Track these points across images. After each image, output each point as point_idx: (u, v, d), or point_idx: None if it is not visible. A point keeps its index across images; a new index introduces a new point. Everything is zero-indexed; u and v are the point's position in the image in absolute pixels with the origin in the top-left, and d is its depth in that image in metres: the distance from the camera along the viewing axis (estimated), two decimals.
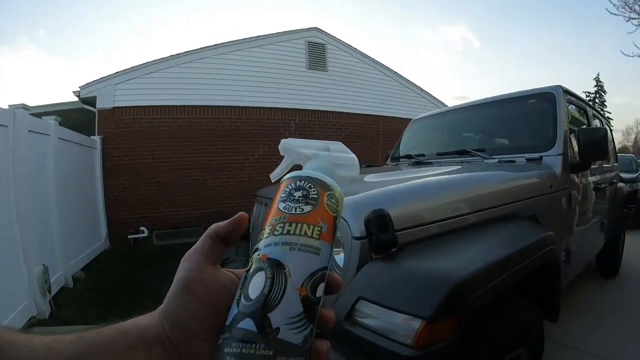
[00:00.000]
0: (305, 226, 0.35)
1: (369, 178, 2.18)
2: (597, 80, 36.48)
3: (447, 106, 11.41)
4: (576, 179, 2.59)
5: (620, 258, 4.28)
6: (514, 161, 2.38)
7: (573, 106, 2.92)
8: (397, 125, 10.27)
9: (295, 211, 0.36)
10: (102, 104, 6.84)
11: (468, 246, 1.42)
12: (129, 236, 6.70)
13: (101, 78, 6.81)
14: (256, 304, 0.32)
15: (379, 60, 10.39)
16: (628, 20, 13.11)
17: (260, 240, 0.36)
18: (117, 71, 6.93)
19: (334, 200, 0.38)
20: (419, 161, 2.94)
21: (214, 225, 0.40)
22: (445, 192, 1.66)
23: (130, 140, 6.97)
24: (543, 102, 2.64)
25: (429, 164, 2.79)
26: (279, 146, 0.44)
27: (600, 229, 3.33)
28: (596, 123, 3.49)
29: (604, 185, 3.38)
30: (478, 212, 1.66)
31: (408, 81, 10.96)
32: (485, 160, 2.50)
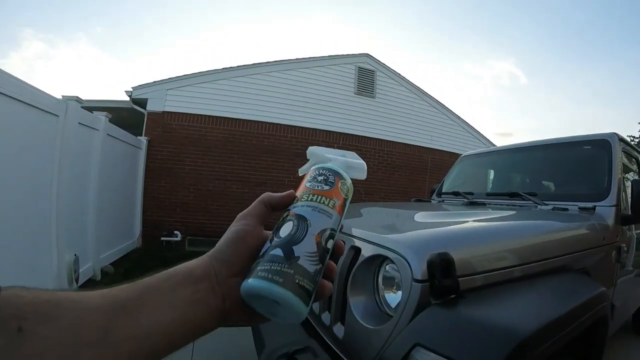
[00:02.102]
0: (323, 197, 0.48)
1: (421, 217, 2.11)
2: None
3: (492, 143, 11.29)
4: (626, 232, 2.46)
5: None
6: (566, 209, 2.27)
7: (624, 153, 2.75)
8: (440, 158, 10.11)
9: (317, 187, 0.49)
10: (153, 106, 7.00)
11: (528, 298, 1.37)
12: (162, 238, 6.64)
13: (154, 82, 7.01)
14: (285, 239, 0.43)
15: (426, 91, 10.23)
16: None
17: (295, 204, 0.48)
18: (170, 77, 7.13)
19: (345, 187, 0.52)
20: (472, 201, 2.80)
21: (267, 194, 0.50)
22: (506, 240, 1.59)
23: (175, 145, 7.05)
24: (598, 149, 2.58)
25: (482, 204, 2.69)
26: (307, 151, 0.57)
27: None
28: None
29: None
30: (536, 263, 1.59)
31: (454, 114, 10.66)
32: (539, 207, 2.41)
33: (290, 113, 8.14)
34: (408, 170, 9.74)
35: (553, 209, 2.32)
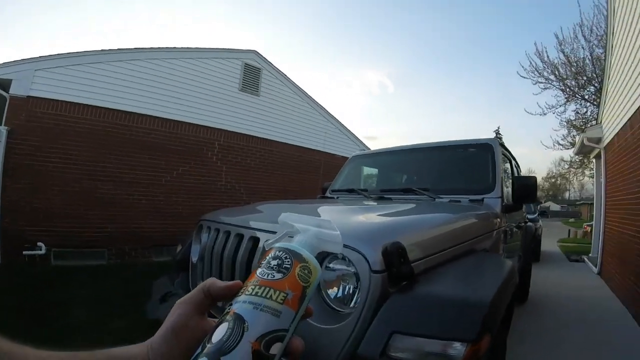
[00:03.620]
0: (271, 291, 0.42)
1: (346, 212, 2.20)
2: (497, 132, 44.10)
3: (365, 145, 12.30)
4: (506, 219, 3.01)
5: (529, 286, 5.22)
6: (459, 201, 2.69)
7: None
8: (319, 158, 10.94)
9: (267, 277, 0.43)
10: (17, 89, 6.06)
11: (469, 274, 1.64)
12: (24, 252, 5.85)
13: (22, 60, 6.07)
14: (213, 347, 0.38)
15: (307, 93, 10.93)
16: (535, 84, 15.37)
17: (237, 296, 0.43)
18: (41, 55, 6.23)
19: (306, 272, 0.46)
20: (381, 197, 3.03)
21: (210, 281, 0.47)
22: (436, 227, 1.84)
23: (40, 137, 6.22)
24: (482, 151, 3.10)
25: (389, 199, 2.92)
26: (279, 218, 0.54)
27: (517, 261, 3.87)
28: (515, 171, 4.14)
29: (522, 224, 4.22)
30: (459, 245, 1.87)
31: (333, 117, 11.79)
32: (437, 200, 2.76)
33: (171, 106, 7.87)
34: (288, 170, 10.27)
35: (450, 201, 2.69)
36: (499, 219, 2.66)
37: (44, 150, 6.21)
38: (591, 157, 10.50)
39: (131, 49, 7.23)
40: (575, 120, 16.36)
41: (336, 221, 1.69)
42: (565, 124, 16.63)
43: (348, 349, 1.22)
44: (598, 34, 13.47)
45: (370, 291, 1.24)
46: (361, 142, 12.77)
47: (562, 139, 17.30)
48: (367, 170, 4.26)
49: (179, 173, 7.90)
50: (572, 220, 48.49)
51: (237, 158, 8.99)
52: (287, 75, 10.24)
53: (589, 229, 20.28)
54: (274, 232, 0.58)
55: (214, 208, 8.87)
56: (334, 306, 1.35)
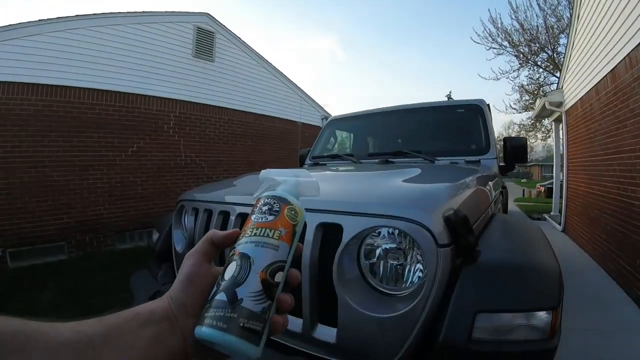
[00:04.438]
0: (267, 230, 0.49)
1: (366, 179, 2.00)
2: (449, 97, 45.30)
3: (326, 112, 12.03)
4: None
5: None
6: (457, 163, 2.65)
7: None
8: (281, 126, 10.64)
9: (262, 220, 0.51)
10: None
11: (514, 239, 1.55)
12: None
13: None
14: (229, 282, 0.45)
15: (264, 58, 10.49)
16: (489, 49, 15.71)
17: (238, 241, 0.50)
18: None
19: (293, 212, 0.53)
20: (386, 160, 2.85)
21: (212, 232, 0.54)
22: (471, 191, 1.68)
23: None
24: (472, 113, 3.08)
25: (392, 162, 2.79)
26: (259, 176, 0.60)
27: None
28: None
29: (505, 185, 4.24)
30: (487, 209, 1.83)
31: (292, 82, 11.51)
32: (436, 162, 2.69)
33: (119, 77, 7.16)
34: (250, 140, 10.00)
35: (450, 163, 2.65)
36: (498, 180, 2.72)
37: None
38: (550, 120, 11.02)
39: (71, 16, 6.41)
40: (528, 85, 17.13)
41: (366, 189, 1.61)
42: (517, 88, 17.44)
43: (419, 337, 1.11)
44: (552, 4, 14.09)
45: (439, 268, 1.11)
46: (322, 107, 12.63)
47: (514, 103, 18.11)
48: (345, 135, 4.13)
49: (133, 150, 7.37)
50: (524, 180, 51.70)
51: (195, 130, 8.53)
52: (242, 39, 9.68)
53: (542, 189, 21.74)
54: None
55: (174, 185, 8.43)
56: (384, 289, 1.23)
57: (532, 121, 18.76)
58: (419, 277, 1.19)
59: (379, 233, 1.23)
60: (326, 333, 1.25)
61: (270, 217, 0.51)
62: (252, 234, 0.49)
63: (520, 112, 17.94)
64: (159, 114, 7.80)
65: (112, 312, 0.42)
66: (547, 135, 19.25)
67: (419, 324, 1.11)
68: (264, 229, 0.49)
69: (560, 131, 9.36)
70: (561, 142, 9.17)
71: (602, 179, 5.46)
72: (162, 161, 7.86)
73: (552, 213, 10.44)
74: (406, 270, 1.21)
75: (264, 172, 0.60)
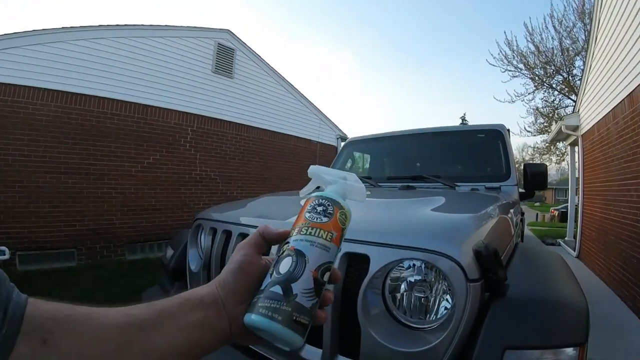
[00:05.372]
0: (322, 231, 0.51)
1: (390, 206, 1.91)
2: (463, 119, 46.41)
3: (341, 131, 12.00)
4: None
5: None
6: (477, 189, 2.57)
7: None
8: (295, 144, 10.74)
9: (316, 220, 0.52)
10: None
11: (539, 272, 1.50)
12: None
13: None
14: (284, 277, 0.47)
15: (282, 75, 10.55)
16: (504, 72, 15.72)
17: (290, 236, 0.52)
18: None
19: (344, 217, 0.55)
20: (407, 185, 2.73)
21: (263, 227, 0.56)
22: (497, 221, 1.63)
23: None
24: (492, 138, 3.04)
25: (412, 188, 2.66)
26: (309, 170, 0.63)
27: None
28: None
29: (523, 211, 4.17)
30: (512, 239, 1.82)
31: (308, 101, 11.50)
32: (457, 188, 2.61)
33: (139, 89, 7.25)
34: (264, 157, 9.97)
35: (471, 189, 2.56)
36: (518, 207, 2.64)
37: (0, 143, 5.54)
38: (566, 143, 10.79)
39: (95, 26, 6.55)
40: (542, 108, 16.92)
41: (393, 219, 1.58)
42: (532, 111, 17.20)
43: None
44: (567, 26, 13.95)
45: (468, 303, 1.08)
46: (336, 126, 12.57)
47: (529, 126, 17.91)
48: (358, 155, 4.08)
49: (149, 162, 7.36)
50: (537, 204, 50.89)
51: (211, 145, 8.52)
52: (261, 56, 9.78)
53: (555, 212, 21.30)
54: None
55: (188, 199, 8.35)
56: (408, 322, 1.18)
57: (547, 144, 18.47)
58: (445, 310, 1.16)
59: (406, 264, 1.21)
60: None
61: (325, 219, 0.53)
62: (307, 233, 0.51)
63: (535, 135, 17.81)
64: (177, 127, 7.81)
65: None
66: (562, 159, 18.83)
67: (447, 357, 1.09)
68: (318, 230, 0.51)
69: (576, 155, 9.15)
70: (577, 166, 8.98)
71: (618, 204, 5.28)
72: (177, 174, 7.82)
73: (566, 238, 10.14)
74: (431, 303, 1.18)
75: (312, 168, 0.63)
